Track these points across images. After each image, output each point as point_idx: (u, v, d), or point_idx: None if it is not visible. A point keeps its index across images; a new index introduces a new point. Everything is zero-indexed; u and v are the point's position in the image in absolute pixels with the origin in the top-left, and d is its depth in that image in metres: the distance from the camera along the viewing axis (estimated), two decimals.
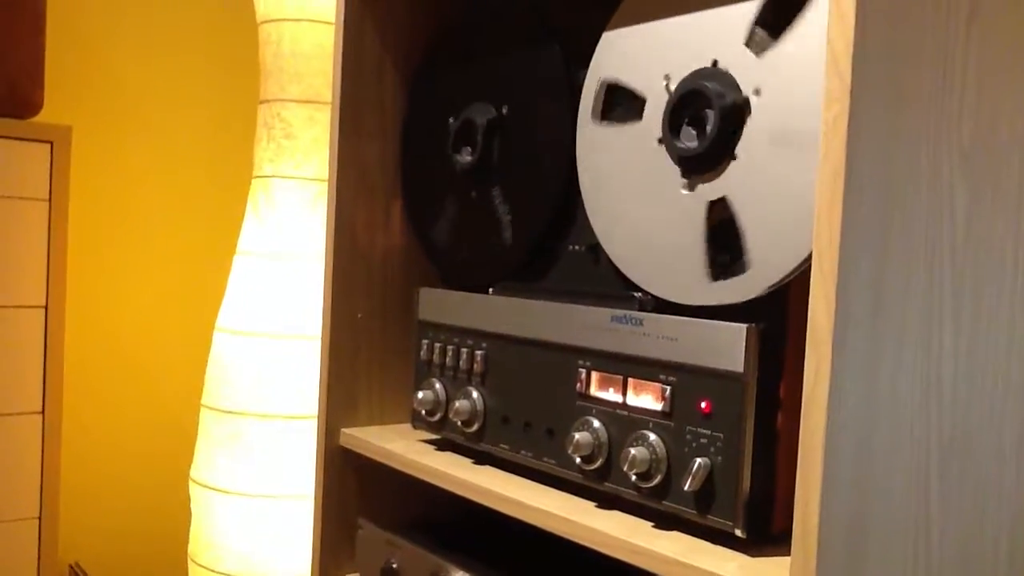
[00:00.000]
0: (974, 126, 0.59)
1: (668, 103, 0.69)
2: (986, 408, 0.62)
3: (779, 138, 0.62)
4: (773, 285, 0.62)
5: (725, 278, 0.65)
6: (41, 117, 1.65)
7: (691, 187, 0.67)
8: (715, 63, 0.67)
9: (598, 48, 0.77)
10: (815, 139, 0.59)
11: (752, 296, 0.64)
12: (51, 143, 1.53)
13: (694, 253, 0.67)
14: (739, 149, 0.64)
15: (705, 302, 0.67)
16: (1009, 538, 0.65)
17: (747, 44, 0.65)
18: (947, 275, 0.58)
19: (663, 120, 0.69)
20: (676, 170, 0.69)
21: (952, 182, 0.58)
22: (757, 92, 0.64)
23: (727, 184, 0.65)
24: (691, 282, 0.68)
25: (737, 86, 0.65)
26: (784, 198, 0.61)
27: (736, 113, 0.64)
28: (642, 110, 0.72)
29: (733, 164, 0.65)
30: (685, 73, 0.69)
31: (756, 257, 0.63)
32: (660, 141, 0.70)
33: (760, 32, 0.64)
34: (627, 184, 0.73)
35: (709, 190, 0.66)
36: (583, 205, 0.78)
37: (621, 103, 0.75)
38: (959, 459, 0.60)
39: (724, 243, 0.66)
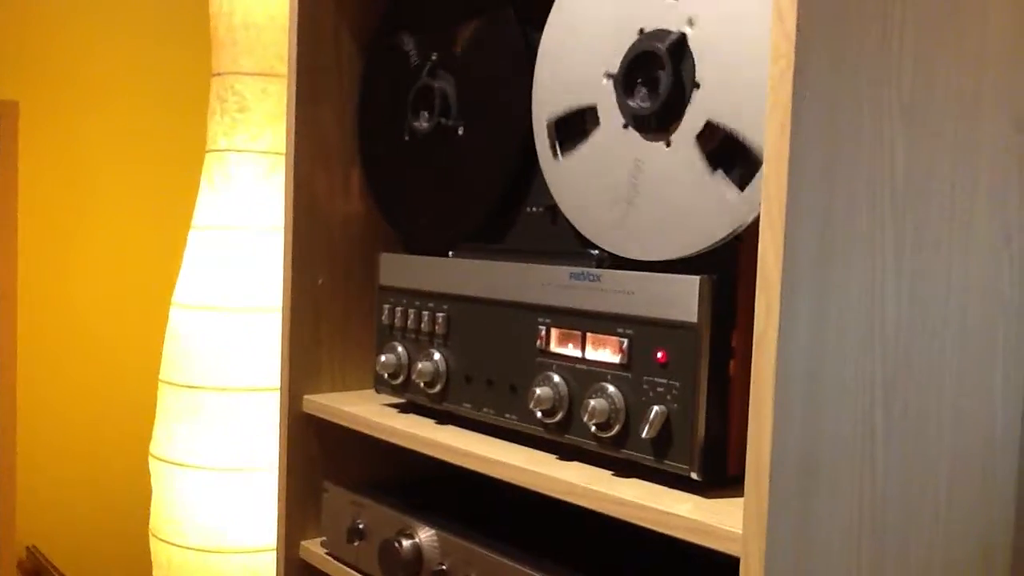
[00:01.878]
0: (912, 80, 0.62)
1: (617, 81, 0.71)
2: (926, 347, 0.65)
3: (728, 45, 0.64)
4: None
5: (743, 188, 0.65)
6: None
7: (668, 142, 0.68)
8: (641, 30, 0.69)
9: (533, 91, 0.79)
10: (759, 24, 0.61)
11: None
12: None
13: (701, 192, 0.67)
14: (699, 77, 0.66)
15: (732, 227, 0.65)
16: (949, 470, 0.69)
17: None
18: (888, 221, 0.61)
19: (618, 99, 0.71)
20: (646, 139, 0.70)
21: (892, 133, 0.61)
22: (690, 23, 0.66)
23: (703, 110, 0.66)
24: (704, 222, 0.67)
25: (669, 30, 0.67)
26: (758, 90, 0.63)
27: (680, 48, 0.66)
28: (596, 116, 0.74)
29: (698, 92, 0.66)
30: (619, 59, 0.71)
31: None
32: (625, 126, 0.71)
33: None
34: (605, 180, 0.74)
35: (689, 126, 0.68)
36: (540, 167, 0.79)
37: (574, 126, 0.76)
38: (901, 396, 0.63)
39: (728, 159, 0.66)
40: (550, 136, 0.78)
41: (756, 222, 0.62)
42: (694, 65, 0.66)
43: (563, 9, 0.77)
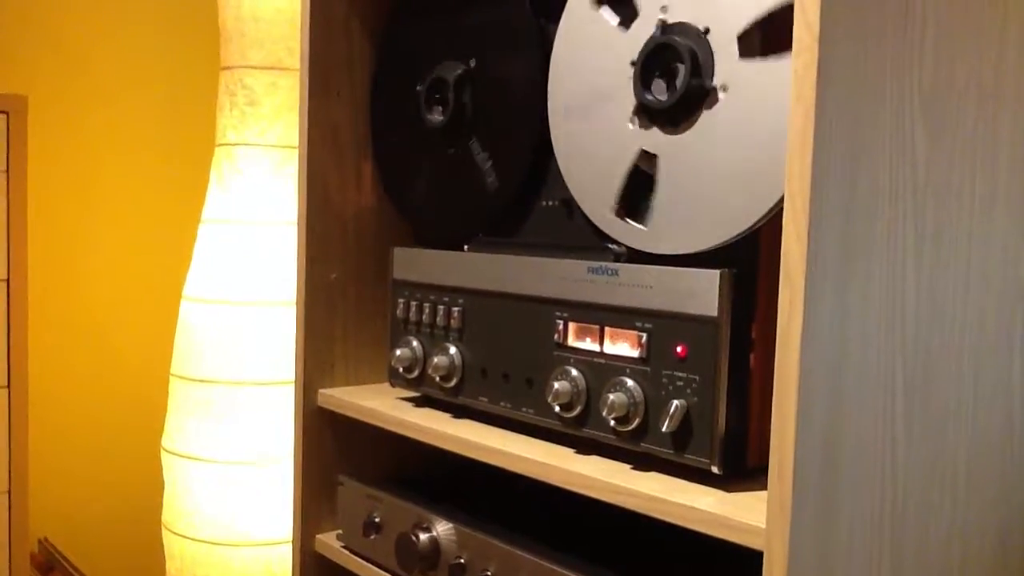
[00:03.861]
0: (933, 71, 0.62)
1: (635, 74, 0.70)
2: (946, 339, 0.65)
3: (746, 46, 0.64)
4: None
5: (755, 190, 0.65)
6: None
7: (685, 136, 0.68)
8: (664, 22, 0.69)
9: (551, 66, 0.79)
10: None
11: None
12: (7, 113, 1.50)
13: (711, 189, 0.67)
14: (716, 78, 0.66)
15: (740, 229, 0.66)
16: (967, 462, 0.69)
17: None
18: (909, 214, 0.61)
19: (635, 90, 0.70)
20: (668, 132, 0.70)
21: (913, 125, 0.60)
22: (714, 20, 0.66)
23: (721, 110, 0.66)
24: (716, 220, 0.67)
25: (693, 25, 0.67)
26: (777, 92, 0.63)
27: (703, 45, 0.66)
28: (612, 100, 0.73)
29: (718, 91, 0.66)
30: (639, 46, 0.71)
31: (779, 154, 0.63)
32: (638, 114, 0.71)
33: None
34: (616, 167, 0.73)
35: (704, 126, 0.67)
36: (555, 160, 0.79)
37: (591, 105, 0.76)
38: (921, 388, 0.63)
39: (738, 164, 0.66)
40: (567, 111, 0.77)
41: (776, 215, 0.62)
42: (714, 63, 0.66)
43: None
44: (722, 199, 0.66)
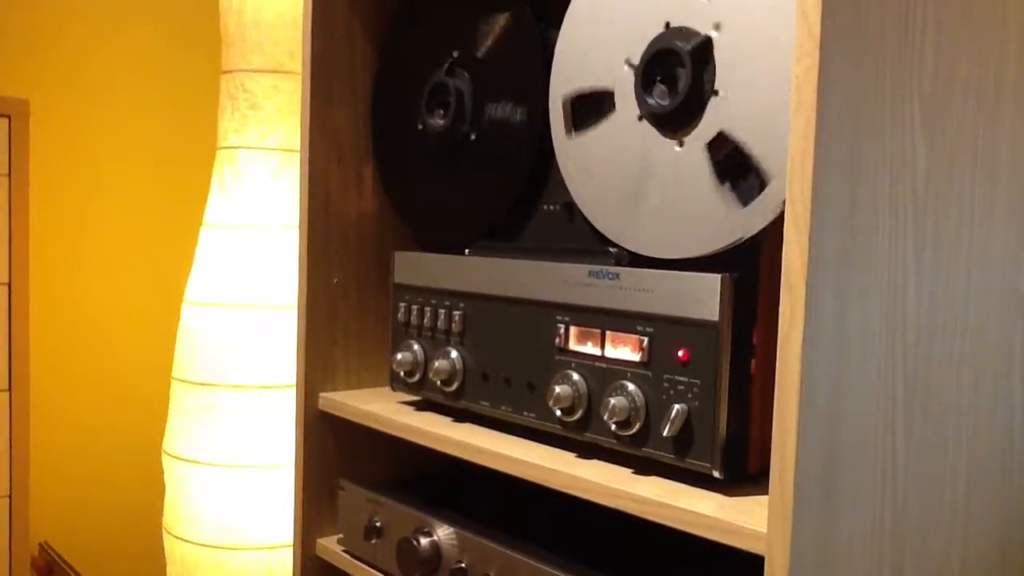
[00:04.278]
0: (933, 78, 0.62)
1: (636, 73, 0.71)
2: (946, 346, 0.65)
3: (750, 57, 0.64)
4: None
5: (745, 206, 0.65)
6: None
7: (681, 143, 0.69)
8: (668, 24, 0.69)
9: (553, 67, 0.79)
10: (783, 46, 0.61)
11: (780, 211, 0.63)
12: (8, 117, 1.51)
13: (705, 199, 0.68)
14: (718, 85, 0.66)
15: (730, 240, 0.66)
16: (967, 469, 0.69)
17: None
18: (910, 221, 0.61)
19: (636, 90, 0.71)
20: (661, 135, 0.70)
21: (914, 132, 0.61)
22: (717, 27, 0.66)
23: (717, 119, 0.67)
24: (706, 229, 0.68)
25: (695, 31, 0.67)
26: (773, 110, 0.63)
27: (703, 52, 0.66)
28: (613, 102, 0.74)
29: (715, 100, 0.66)
30: (642, 49, 0.71)
31: (772, 170, 0.64)
32: (640, 118, 0.72)
33: None
34: (616, 168, 0.74)
35: (702, 134, 0.68)
36: (556, 164, 0.79)
37: (590, 107, 0.76)
38: (921, 394, 0.63)
39: (734, 174, 0.67)
40: (565, 113, 0.78)
41: (774, 221, 0.63)
42: (715, 71, 0.66)
43: None
44: (722, 204, 0.66)
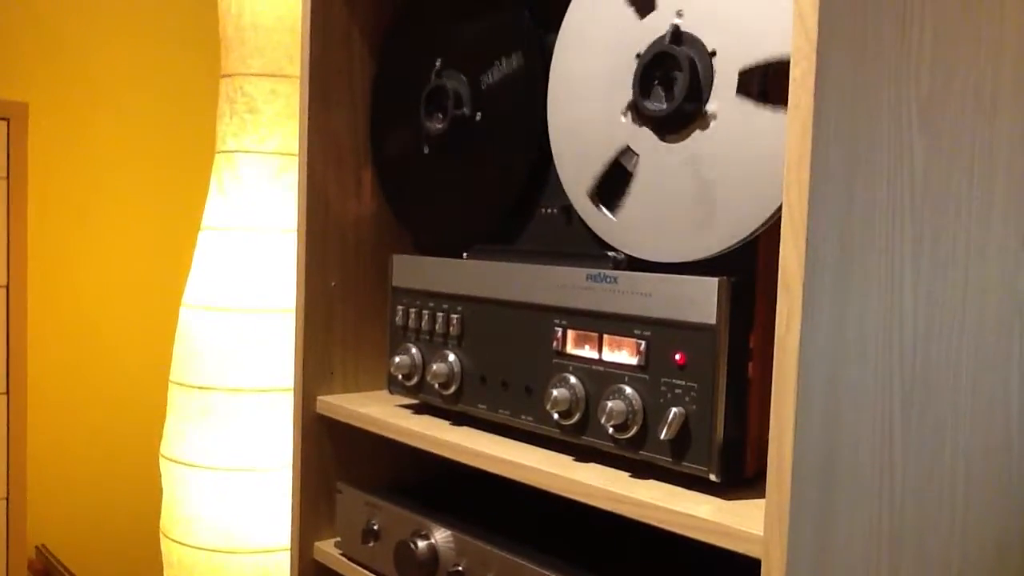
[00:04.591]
0: (931, 80, 0.62)
1: (637, 72, 0.71)
2: (944, 348, 0.65)
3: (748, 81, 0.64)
4: (764, 223, 0.64)
5: (716, 226, 0.66)
6: None
7: (669, 147, 0.69)
8: (676, 28, 0.69)
9: (558, 37, 0.79)
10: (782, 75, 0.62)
11: (746, 236, 0.65)
12: (7, 120, 1.51)
13: (682, 209, 0.69)
14: (711, 98, 0.66)
15: (696, 256, 0.68)
16: (965, 471, 0.69)
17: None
18: (907, 223, 0.61)
19: (633, 88, 0.71)
20: (651, 134, 0.71)
21: (911, 133, 0.61)
22: (722, 43, 0.66)
23: (704, 134, 0.67)
24: (679, 238, 0.69)
25: (701, 41, 0.67)
26: (760, 137, 0.63)
27: (704, 65, 0.66)
28: (612, 88, 0.74)
29: (707, 114, 0.67)
30: (646, 44, 0.71)
31: (746, 198, 0.65)
32: (633, 109, 0.72)
33: None
34: (603, 152, 0.75)
35: (688, 145, 0.68)
36: (555, 168, 0.79)
37: (591, 87, 0.77)
38: (919, 397, 0.63)
39: (711, 193, 0.67)
40: (564, 104, 0.78)
41: (774, 223, 0.63)
42: (712, 85, 0.66)
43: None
44: (696, 217, 0.66)
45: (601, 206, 0.75)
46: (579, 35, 0.77)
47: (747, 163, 0.64)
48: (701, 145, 0.67)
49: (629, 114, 0.72)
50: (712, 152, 0.66)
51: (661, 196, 0.70)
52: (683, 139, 0.68)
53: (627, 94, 0.72)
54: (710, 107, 0.67)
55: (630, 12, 0.73)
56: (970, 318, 0.68)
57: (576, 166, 0.77)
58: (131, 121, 1.97)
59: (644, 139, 0.71)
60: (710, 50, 0.67)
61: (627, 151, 0.72)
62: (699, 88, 0.67)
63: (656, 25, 0.71)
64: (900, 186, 0.60)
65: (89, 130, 1.93)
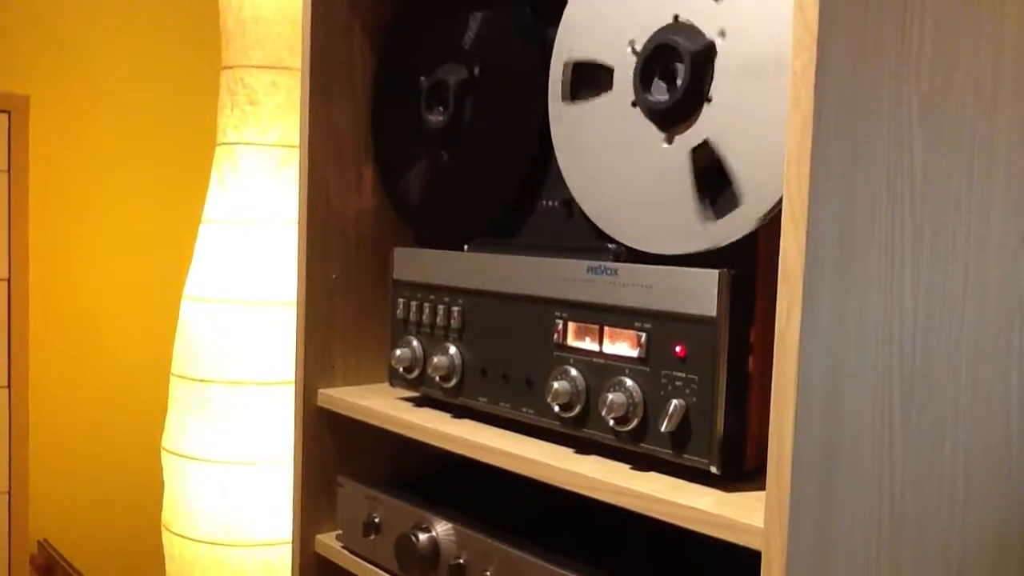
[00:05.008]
0: (931, 75, 0.62)
1: (637, 63, 0.71)
2: (943, 342, 0.65)
3: (749, 72, 0.64)
4: (766, 215, 0.64)
5: (717, 219, 0.67)
6: None
7: (670, 140, 0.69)
8: (676, 18, 0.69)
9: (559, 31, 0.78)
10: (783, 68, 0.62)
11: (747, 231, 0.65)
12: (8, 112, 1.51)
13: (683, 202, 0.69)
14: (712, 92, 0.66)
15: (700, 247, 0.68)
16: (965, 464, 0.69)
17: None
18: (907, 217, 0.61)
19: (634, 79, 0.71)
20: (652, 127, 0.71)
21: (911, 128, 0.61)
22: (722, 34, 0.66)
23: (706, 127, 0.67)
24: (681, 230, 0.69)
25: (701, 32, 0.67)
26: (761, 130, 0.63)
27: (705, 57, 0.66)
28: (611, 79, 0.74)
29: (708, 107, 0.67)
30: (649, 35, 0.71)
31: (746, 190, 0.65)
32: (633, 103, 0.72)
33: None
34: (605, 150, 0.75)
35: (689, 138, 0.68)
36: (556, 161, 0.79)
37: (589, 79, 0.76)
38: (919, 390, 0.64)
39: (712, 185, 0.67)
40: (564, 77, 0.78)
41: (774, 216, 0.63)
42: (713, 77, 0.66)
43: None
44: (696, 210, 0.67)
45: (603, 198, 0.75)
46: (579, 29, 0.77)
47: (748, 156, 0.64)
48: (702, 137, 0.67)
49: (630, 104, 0.72)
50: (713, 144, 0.66)
51: (662, 188, 0.70)
52: (684, 131, 0.68)
53: (628, 86, 0.72)
54: (711, 99, 0.66)
55: (630, 4, 0.73)
56: (970, 312, 0.68)
57: (577, 159, 0.77)
58: (132, 113, 1.97)
59: (645, 131, 0.71)
60: (710, 41, 0.67)
61: (628, 143, 0.72)
62: (700, 80, 0.67)
63: (656, 16, 0.71)
64: (900, 180, 0.60)
65: (90, 122, 1.93)
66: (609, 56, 0.74)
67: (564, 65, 0.78)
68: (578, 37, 0.77)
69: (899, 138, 0.60)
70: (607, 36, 0.74)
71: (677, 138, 0.69)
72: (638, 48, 0.71)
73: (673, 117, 0.69)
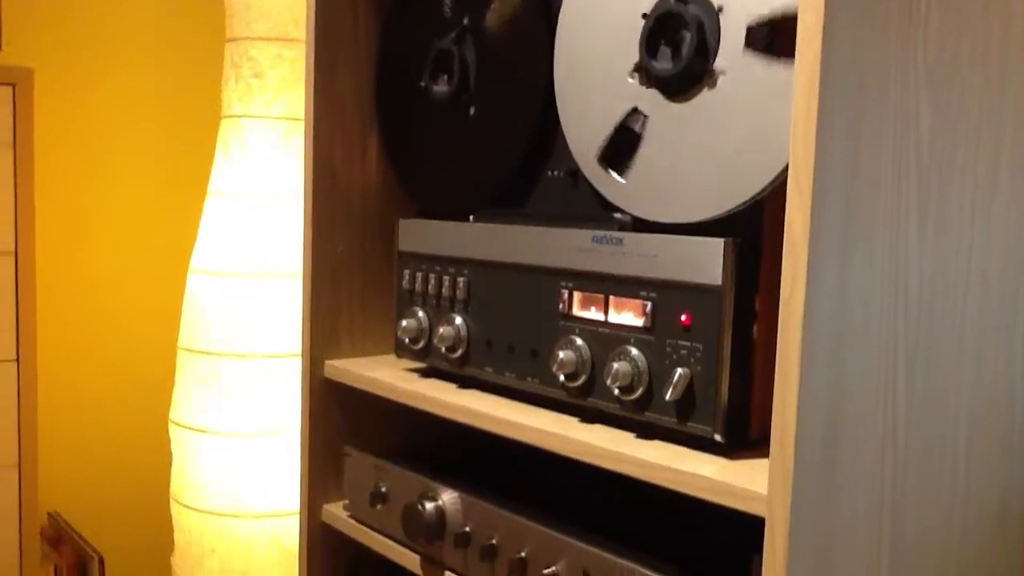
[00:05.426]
0: (938, 43, 0.62)
1: (643, 31, 0.71)
2: (948, 312, 0.65)
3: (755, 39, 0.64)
4: (773, 182, 0.64)
5: (723, 186, 0.66)
6: (0, 59, 1.62)
7: (677, 108, 0.69)
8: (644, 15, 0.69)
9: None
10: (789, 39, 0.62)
11: (753, 197, 0.65)
12: (13, 86, 1.50)
13: (690, 169, 0.69)
14: (718, 59, 0.66)
15: (706, 215, 0.68)
16: (968, 435, 0.69)
17: None
18: (913, 186, 0.61)
19: (640, 48, 0.71)
20: (658, 95, 0.70)
21: (918, 96, 0.60)
22: (727, 2, 0.66)
23: (711, 94, 0.67)
24: (688, 198, 0.69)
25: (708, 1, 0.67)
26: (767, 97, 0.63)
27: (710, 25, 0.66)
28: (621, 49, 0.74)
29: (713, 74, 0.66)
30: (652, 3, 0.70)
31: (753, 158, 0.64)
32: (640, 71, 0.72)
33: None
34: (612, 114, 0.74)
35: (696, 104, 0.68)
36: (561, 131, 0.79)
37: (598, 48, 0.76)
38: (923, 360, 0.64)
39: (718, 153, 0.67)
40: (571, 68, 0.78)
41: (780, 186, 0.63)
42: (719, 44, 0.66)
43: None
44: (704, 176, 0.66)
45: (609, 168, 0.75)
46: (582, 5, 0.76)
47: (754, 123, 0.64)
48: (708, 105, 0.67)
49: (636, 75, 0.72)
50: (719, 112, 0.66)
51: (669, 157, 0.70)
52: (690, 99, 0.68)
53: (634, 55, 0.72)
54: (717, 66, 0.66)
55: None
56: (975, 282, 0.68)
57: (583, 128, 0.77)
58: (137, 86, 1.97)
59: (651, 100, 0.71)
60: (717, 7, 0.66)
61: (635, 113, 0.72)
62: (706, 47, 0.67)
63: None
64: (907, 150, 0.60)
65: (95, 95, 1.93)
66: (617, 24, 0.74)
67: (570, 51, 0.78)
68: (579, 26, 0.77)
69: (905, 107, 0.60)
70: (615, 6, 0.74)
71: (682, 105, 0.69)
72: (647, 12, 0.71)
73: (679, 85, 0.69)
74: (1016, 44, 0.69)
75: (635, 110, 0.72)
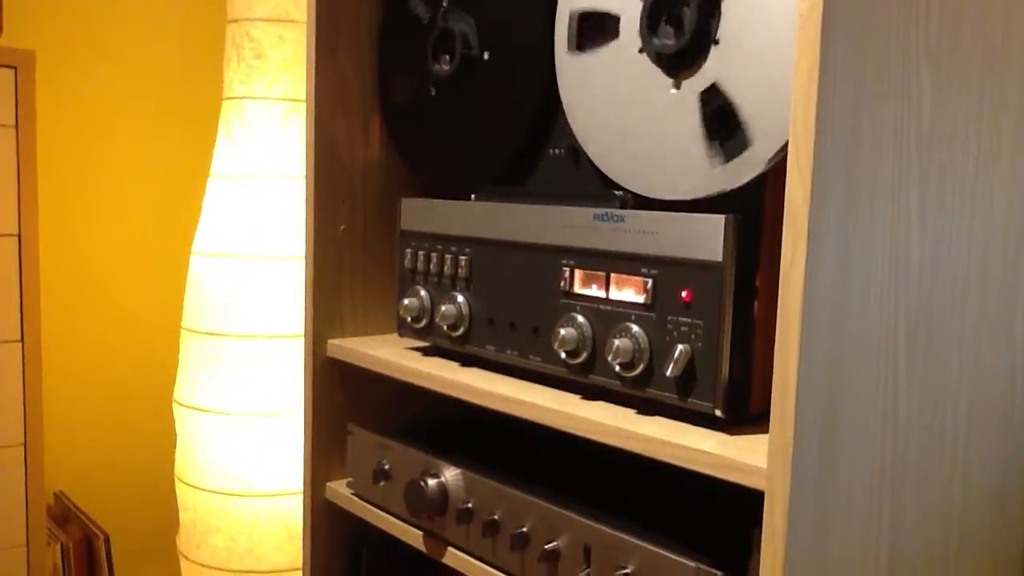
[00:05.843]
0: (940, 22, 0.62)
1: (643, 8, 0.71)
2: (949, 288, 0.66)
3: (756, 13, 0.64)
4: (776, 155, 0.64)
5: (727, 162, 0.67)
6: (2, 42, 1.62)
7: (678, 84, 0.69)
8: None
9: None
10: (789, 12, 0.62)
11: (757, 172, 0.65)
12: (15, 68, 1.50)
13: (691, 146, 0.69)
14: (720, 34, 0.66)
15: (709, 191, 0.68)
16: (968, 409, 0.70)
17: None
18: (914, 162, 0.61)
19: (640, 25, 0.71)
20: (660, 72, 0.70)
21: (919, 73, 0.60)
22: None
23: (714, 70, 0.67)
24: (689, 176, 0.70)
25: None
26: (770, 71, 0.63)
27: (711, 2, 0.66)
28: (617, 27, 0.74)
29: (715, 50, 0.66)
30: None
31: (756, 131, 0.65)
32: (640, 50, 0.72)
33: None
34: (613, 99, 0.75)
35: (698, 81, 0.68)
36: (563, 109, 0.79)
37: (595, 27, 0.76)
38: (924, 335, 0.64)
39: (721, 128, 0.67)
40: (570, 27, 0.78)
41: (781, 162, 0.63)
42: (720, 19, 0.66)
43: None
44: (705, 154, 0.66)
45: (610, 145, 0.75)
46: None
47: (755, 99, 0.64)
48: (710, 80, 0.67)
49: (637, 51, 0.72)
50: (721, 87, 0.66)
51: (670, 133, 0.70)
52: (691, 75, 0.68)
53: (635, 31, 0.72)
54: (718, 41, 0.66)
55: None
56: (975, 256, 0.68)
57: (585, 106, 0.77)
58: (138, 68, 1.97)
59: (653, 76, 0.71)
60: None
61: (635, 90, 0.72)
62: (707, 24, 0.67)
63: None
64: (907, 126, 0.60)
65: (97, 77, 1.93)
66: (615, 3, 0.74)
67: (570, 15, 0.78)
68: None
69: (907, 83, 0.60)
70: None
71: (685, 83, 0.69)
72: None
73: (681, 61, 0.69)
74: (1019, 21, 0.69)
75: (637, 86, 0.72)
